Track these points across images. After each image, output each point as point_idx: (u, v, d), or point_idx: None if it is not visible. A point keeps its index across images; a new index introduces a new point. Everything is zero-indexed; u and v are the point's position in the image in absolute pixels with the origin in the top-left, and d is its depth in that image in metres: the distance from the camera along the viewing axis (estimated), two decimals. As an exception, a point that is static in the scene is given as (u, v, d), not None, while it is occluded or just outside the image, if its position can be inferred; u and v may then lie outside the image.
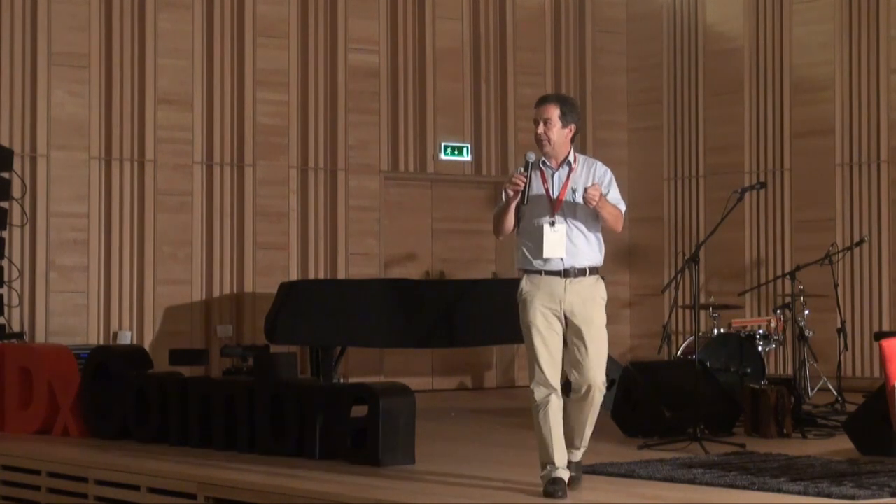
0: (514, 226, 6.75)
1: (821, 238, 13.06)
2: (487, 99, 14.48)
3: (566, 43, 15.01)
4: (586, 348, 6.64)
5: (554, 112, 6.70)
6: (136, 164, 12.72)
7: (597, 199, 6.60)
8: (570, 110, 6.76)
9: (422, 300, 11.66)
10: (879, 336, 10.51)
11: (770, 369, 12.30)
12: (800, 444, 8.71)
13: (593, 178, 6.77)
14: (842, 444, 8.44)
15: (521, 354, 14.45)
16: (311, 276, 13.37)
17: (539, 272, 6.70)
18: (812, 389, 11.40)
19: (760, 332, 11.08)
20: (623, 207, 6.82)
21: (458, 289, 12.01)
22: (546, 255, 6.65)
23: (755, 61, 14.14)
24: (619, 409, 9.42)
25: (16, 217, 12.09)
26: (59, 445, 9.05)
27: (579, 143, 14.97)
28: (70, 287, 12.34)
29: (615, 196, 6.80)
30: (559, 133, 6.73)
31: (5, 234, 11.89)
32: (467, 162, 14.37)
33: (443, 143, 14.19)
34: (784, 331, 11.36)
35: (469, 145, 14.36)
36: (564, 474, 6.57)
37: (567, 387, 6.78)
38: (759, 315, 13.17)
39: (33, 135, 12.29)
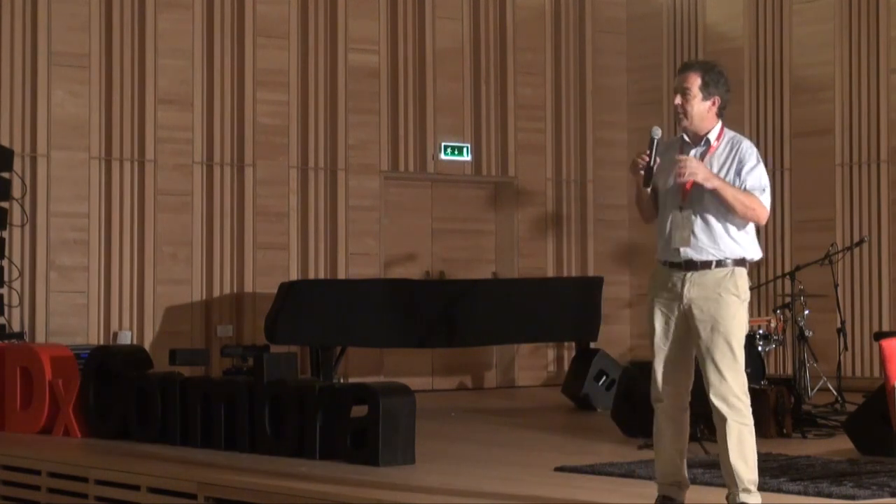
0: (656, 210, 5.99)
1: (821, 238, 13.06)
2: (487, 99, 14.48)
3: (566, 43, 15.00)
4: (706, 354, 5.78)
5: (694, 82, 5.85)
6: (136, 164, 12.72)
7: (685, 172, 5.72)
8: (715, 80, 5.87)
9: (422, 300, 11.67)
10: (879, 336, 10.49)
11: (770, 369, 12.30)
12: (800, 444, 8.71)
13: (734, 159, 5.86)
14: (842, 444, 8.43)
15: (521, 354, 14.46)
16: (311, 276, 13.37)
17: (664, 264, 5.94)
18: (812, 389, 11.40)
19: (760, 332, 11.05)
20: (761, 197, 5.80)
21: (458, 289, 12.01)
22: (673, 244, 5.86)
23: (755, 61, 14.14)
24: (619, 409, 9.42)
25: (16, 217, 12.09)
26: (59, 445, 9.05)
27: (578, 142, 15.00)
28: (70, 287, 12.34)
29: (754, 183, 5.82)
30: (700, 106, 5.86)
31: (5, 234, 11.89)
32: (467, 162, 14.37)
33: (443, 143, 14.19)
34: (784, 331, 11.34)
35: (469, 145, 14.36)
36: (671, 491, 5.93)
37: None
38: (759, 315, 13.15)
39: (33, 135, 12.29)
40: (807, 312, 11.27)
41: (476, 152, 14.40)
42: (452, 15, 14.35)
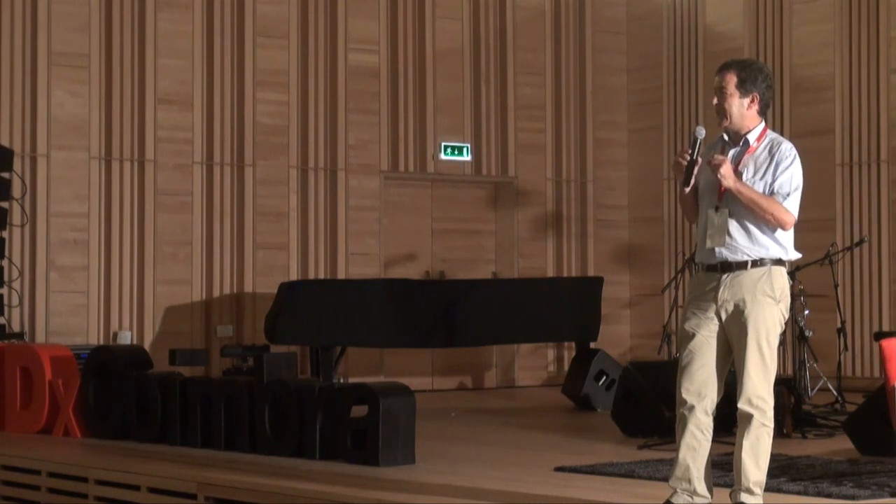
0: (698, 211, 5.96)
1: (821, 238, 13.05)
2: (487, 99, 14.48)
3: (566, 43, 15.01)
4: (739, 355, 5.72)
5: (731, 80, 5.79)
6: (136, 164, 12.72)
7: (719, 167, 5.70)
8: (752, 77, 5.80)
9: (422, 300, 11.67)
10: (879, 336, 10.49)
11: (770, 369, 12.27)
12: (800, 444, 8.71)
13: (771, 161, 5.78)
14: (842, 444, 8.43)
15: (521, 354, 14.46)
16: (311, 276, 13.37)
17: (701, 266, 5.88)
18: (812, 389, 11.39)
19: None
20: (785, 203, 5.74)
21: (458, 289, 12.01)
22: (708, 245, 5.79)
23: (755, 61, 14.12)
24: (619, 409, 9.43)
25: (16, 217, 12.10)
26: (59, 445, 9.05)
27: (578, 142, 15.00)
28: (70, 287, 12.34)
29: (780, 186, 5.76)
30: (738, 105, 5.79)
31: (5, 234, 11.89)
32: (467, 162, 14.38)
33: (443, 143, 14.19)
34: (784, 331, 11.34)
35: (469, 145, 14.36)
36: (679, 499, 5.79)
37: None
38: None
39: (33, 135, 12.29)
40: (807, 312, 11.26)
41: (476, 152, 14.40)
42: (452, 15, 14.35)
